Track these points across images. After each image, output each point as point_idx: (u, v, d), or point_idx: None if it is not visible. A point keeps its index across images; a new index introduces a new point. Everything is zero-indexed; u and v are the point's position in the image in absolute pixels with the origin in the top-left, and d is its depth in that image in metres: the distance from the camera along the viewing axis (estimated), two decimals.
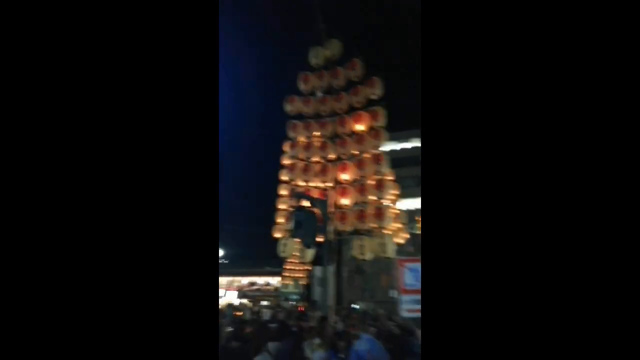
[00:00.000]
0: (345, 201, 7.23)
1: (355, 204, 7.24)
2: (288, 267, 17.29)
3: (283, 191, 10.38)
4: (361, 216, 6.95)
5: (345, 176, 7.42)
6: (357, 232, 7.10)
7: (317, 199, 6.41)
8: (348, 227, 7.09)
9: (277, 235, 9.24)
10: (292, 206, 7.61)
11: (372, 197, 7.10)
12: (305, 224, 5.05)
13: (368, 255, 6.87)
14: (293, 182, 8.30)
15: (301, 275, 16.44)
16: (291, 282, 17.64)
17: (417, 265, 3.31)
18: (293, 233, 5.34)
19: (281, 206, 9.79)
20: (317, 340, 3.07)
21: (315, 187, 8.17)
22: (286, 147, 9.59)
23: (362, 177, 7.25)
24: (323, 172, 7.83)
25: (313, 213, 5.24)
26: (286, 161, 9.70)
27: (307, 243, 5.19)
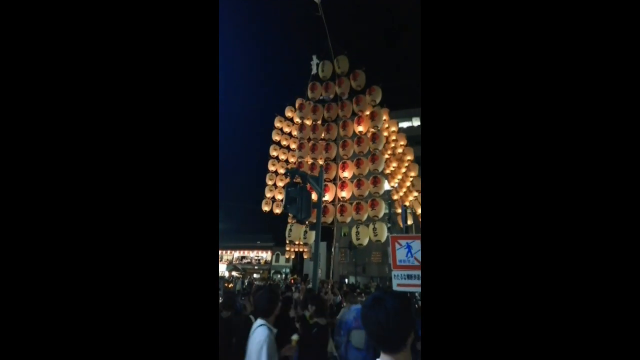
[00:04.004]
0: (344, 194, 8.25)
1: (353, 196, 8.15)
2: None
3: (276, 167, 10.40)
4: (358, 208, 7.97)
5: (345, 174, 8.39)
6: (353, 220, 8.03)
7: (310, 174, 6.39)
8: (347, 219, 8.08)
9: (266, 209, 9.91)
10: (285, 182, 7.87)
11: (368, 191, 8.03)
12: (299, 199, 5.04)
13: (364, 241, 7.90)
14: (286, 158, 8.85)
15: (303, 249, 16.34)
16: (288, 256, 17.80)
17: (410, 242, 3.38)
18: (286, 208, 5.34)
19: (272, 182, 10.08)
20: (307, 312, 3.15)
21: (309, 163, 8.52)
22: (278, 122, 9.95)
23: (359, 174, 8.23)
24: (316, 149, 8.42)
25: (306, 189, 5.23)
26: (277, 137, 10.02)
27: (300, 218, 5.21)
